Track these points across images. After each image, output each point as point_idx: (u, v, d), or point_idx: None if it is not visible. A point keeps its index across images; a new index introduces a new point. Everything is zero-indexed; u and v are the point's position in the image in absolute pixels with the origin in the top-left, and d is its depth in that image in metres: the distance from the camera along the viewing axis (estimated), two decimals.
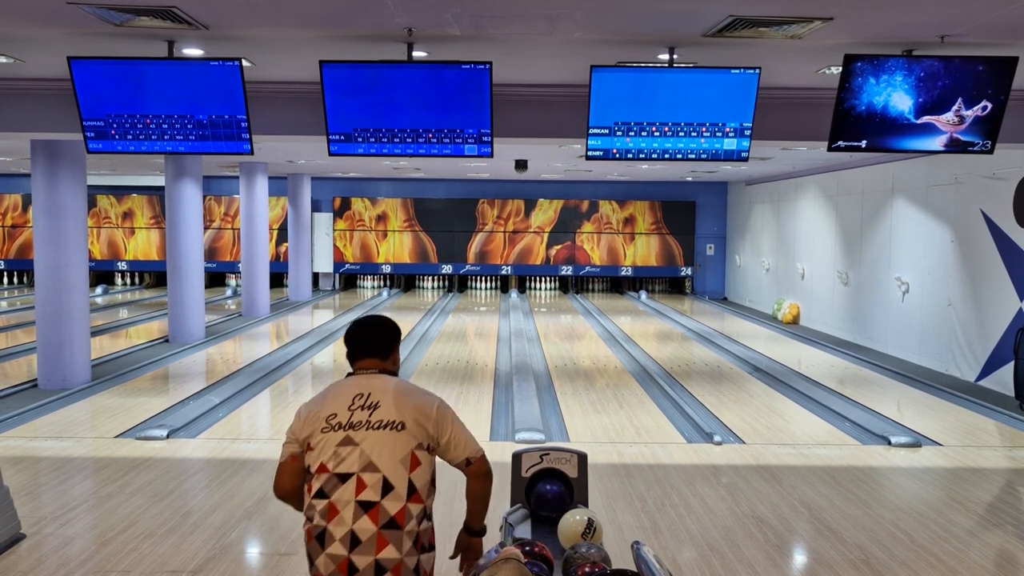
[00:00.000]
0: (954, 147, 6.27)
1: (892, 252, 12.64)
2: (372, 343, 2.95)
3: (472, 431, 3.01)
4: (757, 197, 19.36)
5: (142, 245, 22.27)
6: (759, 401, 9.25)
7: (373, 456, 2.72)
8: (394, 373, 2.96)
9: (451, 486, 6.20)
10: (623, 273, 21.88)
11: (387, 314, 15.50)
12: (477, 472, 2.92)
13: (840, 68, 6.07)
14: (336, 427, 2.77)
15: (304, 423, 2.84)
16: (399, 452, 2.74)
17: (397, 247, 21.78)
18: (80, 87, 6.25)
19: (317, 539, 2.72)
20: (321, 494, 2.73)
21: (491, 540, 3.53)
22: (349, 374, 2.95)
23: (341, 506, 2.70)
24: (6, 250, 22.39)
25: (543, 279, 22.42)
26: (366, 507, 2.69)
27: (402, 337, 3.09)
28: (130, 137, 6.43)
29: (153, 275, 22.51)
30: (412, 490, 2.75)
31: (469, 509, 3.05)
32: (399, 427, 2.76)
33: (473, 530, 3.07)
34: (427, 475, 2.80)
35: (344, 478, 2.71)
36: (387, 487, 2.71)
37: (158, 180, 19.90)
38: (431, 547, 2.83)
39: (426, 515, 2.81)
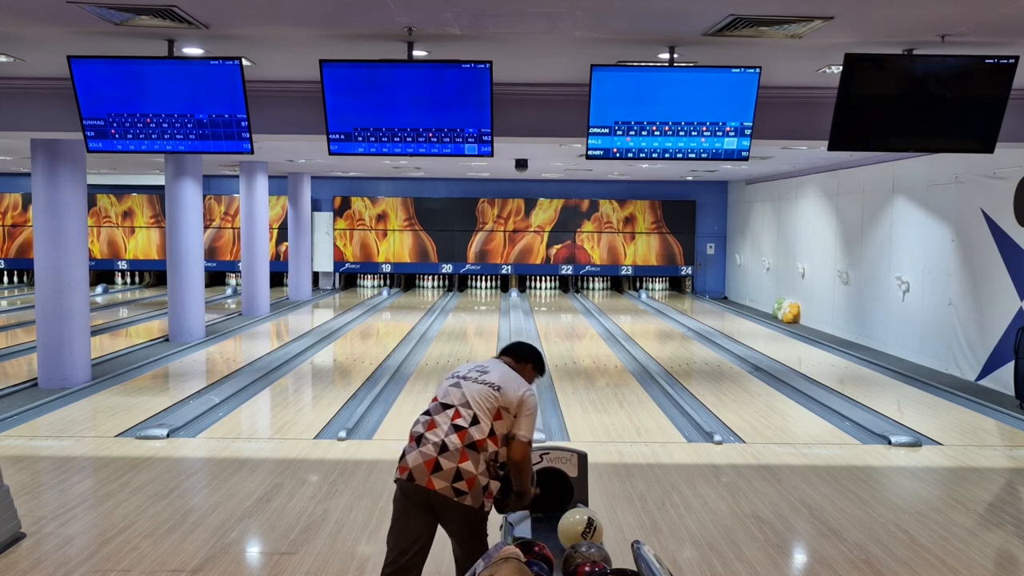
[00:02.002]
0: None
1: (892, 251, 12.64)
2: (515, 350, 3.83)
3: None
4: (757, 196, 19.36)
5: (142, 244, 22.27)
6: (759, 400, 9.25)
7: (470, 398, 3.48)
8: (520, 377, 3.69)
9: None
10: (623, 272, 21.88)
11: (387, 313, 15.44)
12: (511, 453, 3.49)
13: (840, 67, 6.06)
14: (454, 377, 3.62)
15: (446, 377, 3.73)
16: (490, 403, 3.48)
17: (397, 246, 21.77)
18: (80, 86, 6.25)
19: (416, 440, 3.47)
20: (427, 412, 3.55)
21: (491, 539, 3.53)
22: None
23: (439, 423, 3.47)
24: (6, 249, 22.39)
25: (543, 278, 22.42)
26: (457, 428, 3.43)
27: (540, 374, 3.89)
28: (130, 136, 6.43)
29: (153, 274, 22.51)
30: (492, 432, 3.45)
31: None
32: (496, 388, 3.51)
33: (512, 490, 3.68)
34: (505, 429, 3.47)
35: (446, 407, 3.50)
36: (475, 421, 3.44)
37: (158, 179, 19.90)
38: (499, 478, 3.49)
39: (497, 458, 3.47)
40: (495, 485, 3.46)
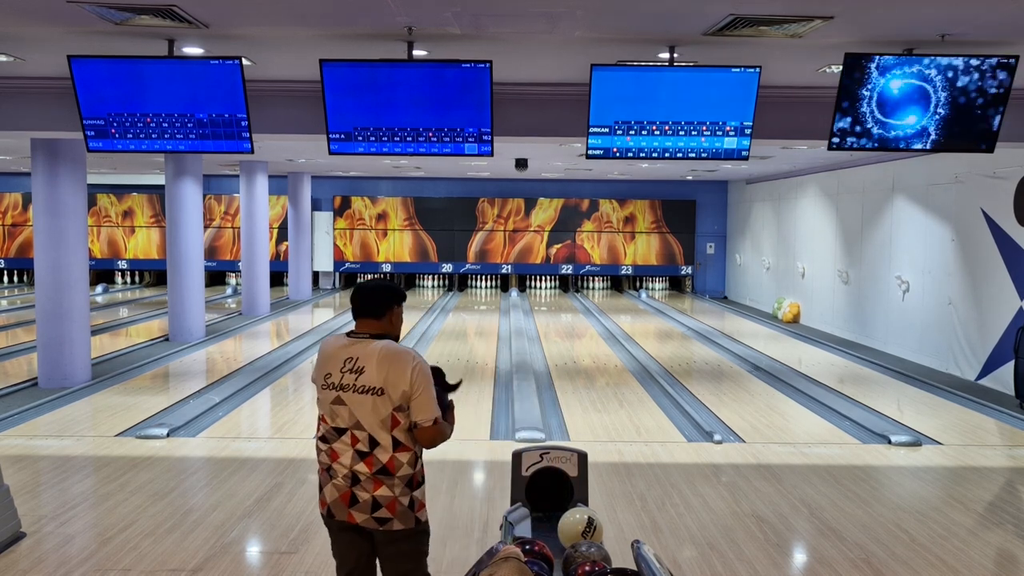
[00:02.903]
0: None
1: (892, 251, 12.63)
2: (369, 305, 3.24)
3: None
4: (757, 196, 19.35)
5: (142, 244, 22.27)
6: (759, 400, 9.25)
7: (359, 416, 3.12)
8: (392, 333, 3.26)
9: (451, 484, 6.22)
10: (623, 272, 21.88)
11: None
12: (420, 441, 3.18)
13: (840, 67, 6.06)
14: (331, 387, 3.18)
15: (315, 371, 3.30)
16: (380, 414, 3.10)
17: (397, 246, 21.77)
18: (80, 86, 6.25)
19: (326, 471, 3.21)
20: (324, 439, 3.22)
21: (491, 539, 3.53)
22: (349, 332, 3.25)
23: (340, 452, 3.16)
24: (6, 249, 22.39)
25: (543, 278, 22.41)
26: (362, 455, 3.13)
27: (404, 299, 3.34)
28: (130, 136, 6.43)
29: (153, 274, 22.51)
30: (397, 443, 3.13)
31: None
32: (379, 392, 3.10)
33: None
34: (408, 424, 3.13)
35: (340, 431, 3.16)
36: (374, 442, 3.11)
37: (158, 179, 19.90)
38: (423, 481, 3.24)
39: (418, 457, 3.20)
40: (422, 491, 3.23)
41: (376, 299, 3.25)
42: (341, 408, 3.16)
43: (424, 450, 3.26)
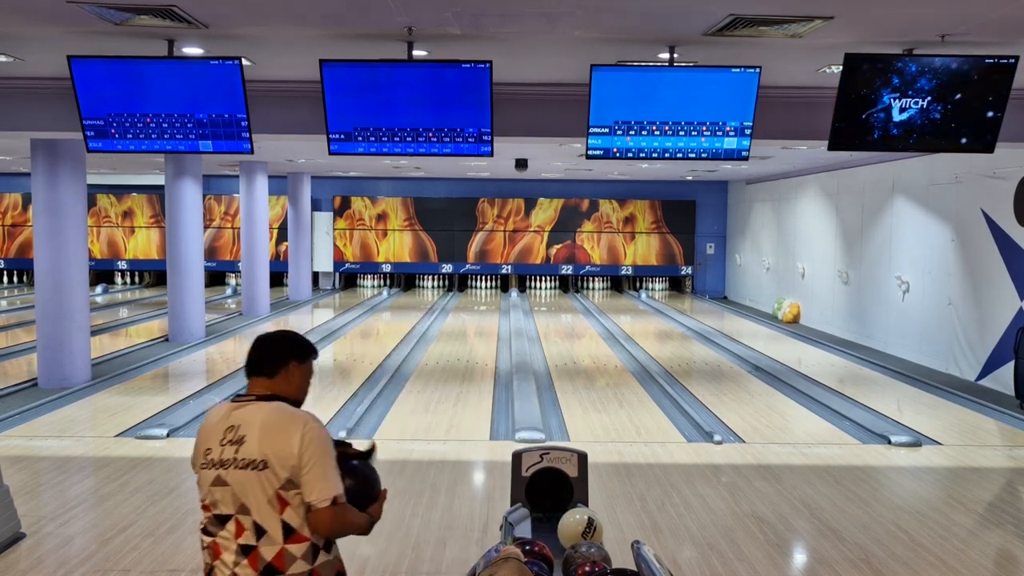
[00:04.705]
0: None
1: (892, 251, 12.63)
2: (259, 361, 2.66)
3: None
4: (757, 196, 19.36)
5: (142, 244, 22.27)
6: (759, 400, 9.25)
7: (243, 498, 2.51)
8: (289, 396, 2.65)
9: (450, 485, 6.22)
10: (623, 272, 21.88)
11: (387, 313, 15.26)
12: (315, 528, 2.53)
13: (840, 67, 6.06)
14: (211, 464, 2.56)
15: (193, 452, 2.65)
16: (265, 494, 2.50)
17: (397, 246, 21.77)
18: (80, 86, 6.25)
19: (207, 573, 2.61)
20: (206, 531, 2.60)
21: (491, 539, 3.53)
22: (236, 396, 2.68)
23: (223, 548, 2.55)
24: (6, 249, 22.39)
25: (543, 278, 22.41)
26: (246, 551, 2.52)
27: (312, 355, 2.75)
28: (130, 136, 6.43)
29: (153, 274, 22.51)
30: (289, 531, 2.51)
31: None
32: (261, 466, 2.50)
33: None
34: (302, 506, 2.51)
35: (223, 520, 2.55)
36: (260, 531, 2.51)
37: (158, 179, 19.89)
38: (330, 557, 2.61)
39: (321, 548, 2.56)
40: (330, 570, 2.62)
41: (269, 353, 2.66)
42: (222, 490, 2.53)
43: (335, 539, 2.62)
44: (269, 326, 15.05)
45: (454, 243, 21.72)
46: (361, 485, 2.71)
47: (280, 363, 2.65)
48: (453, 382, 9.88)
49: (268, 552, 2.50)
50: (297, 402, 2.67)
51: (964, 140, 6.26)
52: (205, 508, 2.59)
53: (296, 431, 2.51)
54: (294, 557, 2.51)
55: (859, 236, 13.84)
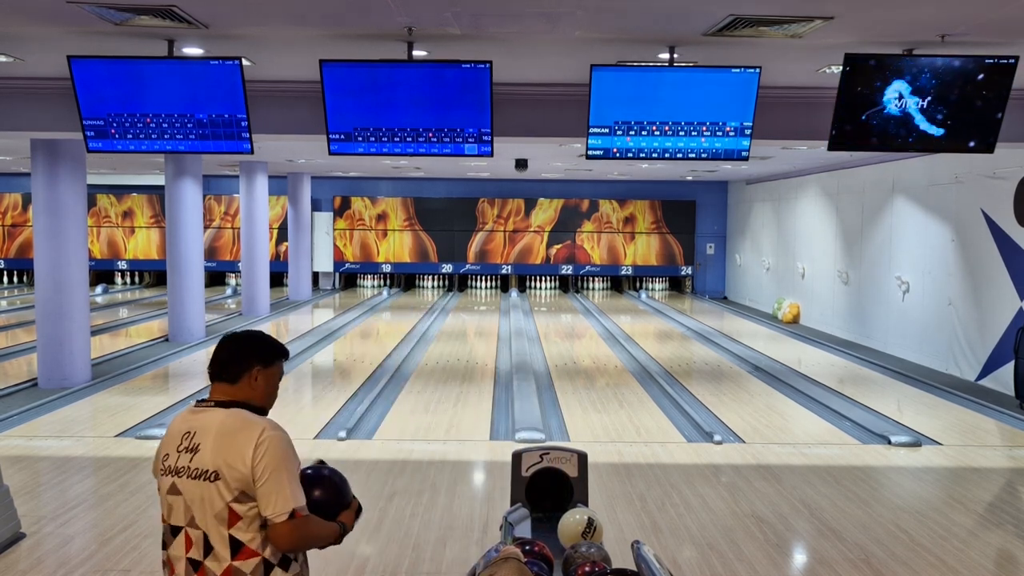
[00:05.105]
0: None
1: (892, 251, 12.64)
2: (220, 364, 2.49)
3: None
4: (757, 196, 19.36)
5: (142, 244, 22.27)
6: (759, 400, 9.25)
7: (194, 509, 2.38)
8: (254, 402, 2.51)
9: (450, 485, 6.22)
10: (623, 272, 21.88)
11: (387, 313, 15.15)
12: (274, 542, 2.37)
13: (840, 67, 6.06)
14: (168, 471, 2.44)
15: (155, 457, 2.54)
16: (214, 506, 2.35)
17: (397, 246, 21.77)
18: (80, 86, 6.25)
19: None
20: (164, 545, 2.47)
21: (491, 539, 3.53)
22: (198, 401, 2.53)
23: (175, 562, 2.42)
24: (6, 249, 22.39)
25: (543, 278, 22.41)
26: (195, 566, 2.38)
27: (279, 357, 2.58)
28: (130, 136, 6.43)
29: (153, 274, 22.50)
30: (238, 546, 2.36)
31: None
32: (212, 477, 2.35)
33: None
34: (255, 519, 2.37)
35: (175, 531, 2.42)
36: (208, 546, 2.37)
37: (158, 179, 19.89)
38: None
39: (276, 565, 2.40)
40: None
41: (230, 357, 2.49)
42: (176, 500, 2.41)
43: (297, 554, 2.46)
44: (269, 326, 15.05)
45: (454, 243, 21.72)
46: (329, 494, 2.57)
47: (243, 368, 2.49)
48: (453, 382, 9.88)
49: (215, 568, 2.36)
50: (263, 409, 2.52)
51: (964, 140, 6.26)
52: (162, 519, 2.47)
53: (250, 440, 2.35)
54: (243, 574, 2.36)
55: (859, 236, 13.84)
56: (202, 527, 2.36)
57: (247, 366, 2.49)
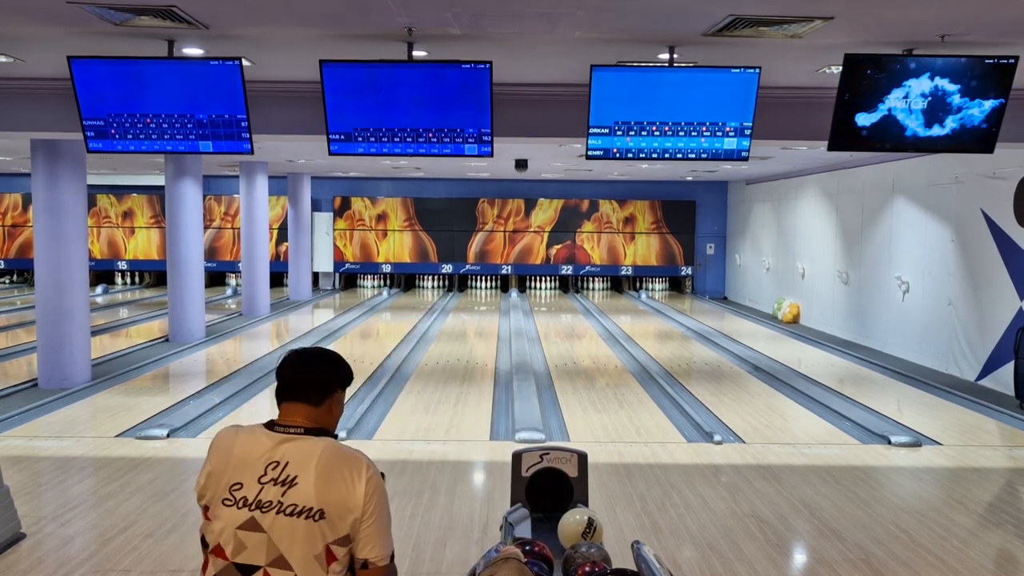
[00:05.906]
0: None
1: (892, 251, 12.64)
2: (304, 383, 2.29)
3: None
4: (757, 196, 19.36)
5: (142, 245, 22.28)
6: (759, 400, 9.25)
7: (283, 548, 2.13)
8: (330, 428, 2.32)
9: (450, 485, 6.22)
10: (623, 272, 21.88)
11: (387, 313, 15.19)
12: None
13: (840, 67, 6.06)
14: (241, 503, 2.16)
15: (208, 480, 2.23)
16: (315, 547, 2.13)
17: (397, 246, 21.78)
18: (80, 86, 6.25)
19: None
20: None
21: (491, 539, 3.53)
22: (269, 423, 2.27)
23: None
24: (6, 250, 22.39)
25: (543, 278, 22.42)
26: None
27: (351, 380, 2.40)
28: (130, 136, 6.43)
29: (153, 274, 22.51)
30: None
31: None
32: (317, 516, 2.13)
33: None
34: (347, 561, 2.19)
35: (248, 570, 2.14)
36: None
37: (158, 179, 19.89)
38: None
39: None
40: None
41: (320, 375, 2.30)
42: (255, 537, 2.14)
43: None
44: (269, 326, 15.05)
45: (454, 243, 21.72)
46: None
47: (328, 390, 2.29)
48: (453, 382, 9.88)
49: None
50: (335, 435, 2.31)
51: (964, 140, 6.26)
52: (218, 553, 2.16)
53: (360, 479, 2.16)
54: None
55: (859, 236, 13.84)
56: (294, 567, 2.12)
57: (331, 389, 2.31)
